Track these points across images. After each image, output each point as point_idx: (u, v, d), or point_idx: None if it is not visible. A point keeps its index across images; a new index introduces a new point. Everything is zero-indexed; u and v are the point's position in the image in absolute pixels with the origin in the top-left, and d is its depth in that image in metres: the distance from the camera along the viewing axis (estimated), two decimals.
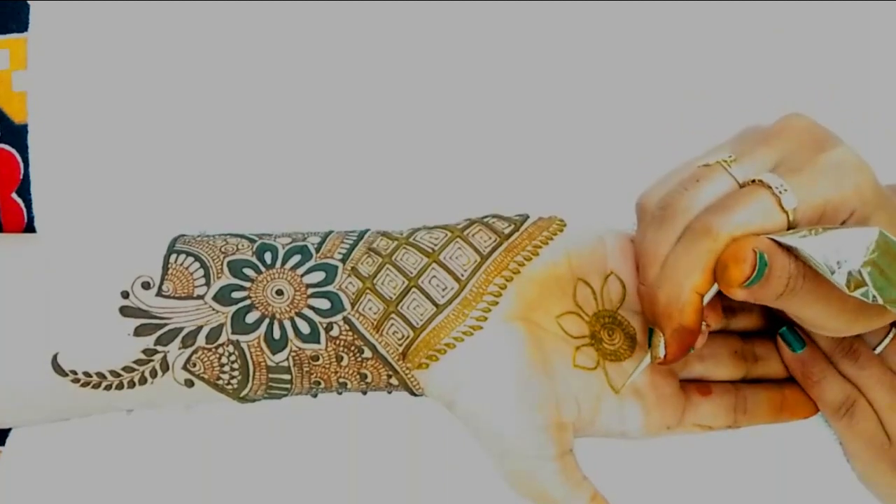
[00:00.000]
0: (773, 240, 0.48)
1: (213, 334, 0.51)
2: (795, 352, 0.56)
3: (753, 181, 0.49)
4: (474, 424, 0.52)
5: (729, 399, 0.55)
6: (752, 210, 0.48)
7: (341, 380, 0.53)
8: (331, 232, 0.54)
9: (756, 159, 0.50)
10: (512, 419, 0.51)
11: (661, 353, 0.50)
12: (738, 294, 0.48)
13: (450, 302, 0.52)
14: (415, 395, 0.53)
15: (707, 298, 0.50)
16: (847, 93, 0.57)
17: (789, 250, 0.48)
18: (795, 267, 0.48)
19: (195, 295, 0.52)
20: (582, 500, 0.52)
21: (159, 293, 0.52)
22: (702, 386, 0.56)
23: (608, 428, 0.54)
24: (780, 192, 0.48)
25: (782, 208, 0.48)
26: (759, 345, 0.57)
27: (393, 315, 0.52)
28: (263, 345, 0.52)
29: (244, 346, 0.52)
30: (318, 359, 0.52)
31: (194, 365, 0.52)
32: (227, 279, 0.52)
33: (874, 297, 0.46)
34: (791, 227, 0.49)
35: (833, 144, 0.50)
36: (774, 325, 0.57)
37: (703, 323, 0.51)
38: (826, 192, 0.49)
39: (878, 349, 0.56)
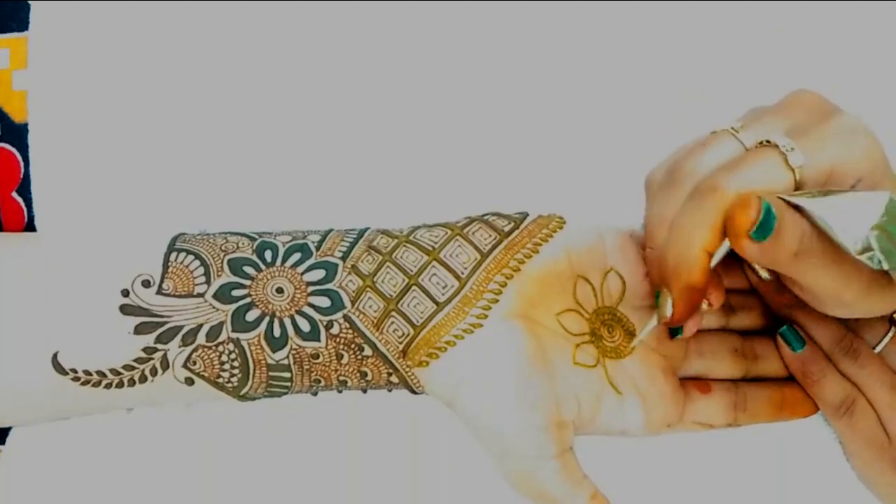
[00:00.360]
0: (782, 199, 0.47)
1: (214, 332, 0.51)
2: (795, 351, 0.56)
3: (761, 143, 0.49)
4: (474, 422, 0.52)
5: (729, 397, 0.55)
6: (759, 167, 0.48)
7: (341, 378, 0.53)
8: (331, 230, 0.54)
9: (764, 125, 0.50)
10: (512, 417, 0.51)
11: (668, 312, 0.50)
12: (750, 248, 0.47)
13: (450, 300, 0.52)
14: (415, 393, 0.53)
15: (716, 258, 0.49)
16: (847, 93, 0.57)
17: (798, 210, 0.47)
18: (808, 225, 0.47)
19: (195, 293, 0.52)
20: (582, 499, 0.52)
21: (159, 291, 0.52)
22: (702, 384, 0.56)
23: (608, 426, 0.54)
24: (787, 151, 0.48)
25: (789, 166, 0.48)
26: (759, 343, 0.57)
27: (393, 313, 0.52)
28: (263, 343, 0.52)
29: (244, 344, 0.52)
30: (318, 357, 0.52)
31: (194, 363, 0.52)
32: (228, 277, 0.52)
33: (880, 261, 0.45)
34: (798, 186, 0.48)
35: (841, 113, 0.50)
36: (774, 325, 0.57)
37: (705, 301, 0.50)
38: (833, 155, 0.49)
39: (878, 348, 0.56)
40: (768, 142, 0.49)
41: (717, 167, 0.49)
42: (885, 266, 0.45)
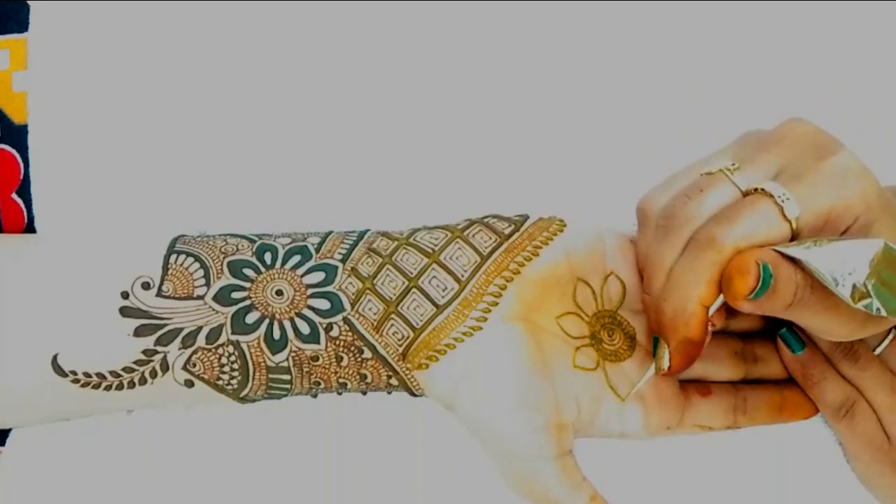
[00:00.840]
0: (777, 251, 0.48)
1: (213, 335, 0.51)
2: (795, 353, 0.56)
3: (756, 190, 0.49)
4: (474, 425, 0.52)
5: (729, 400, 0.55)
6: (756, 220, 0.48)
7: (341, 380, 0.53)
8: (331, 232, 0.54)
9: (758, 166, 0.50)
10: (511, 420, 0.51)
11: (666, 364, 0.51)
12: (745, 307, 0.48)
13: (450, 302, 0.52)
14: (415, 395, 0.53)
15: (713, 310, 0.50)
16: (847, 93, 0.57)
17: (794, 262, 0.48)
18: (802, 278, 0.48)
19: (195, 295, 0.52)
20: (581, 501, 0.52)
21: (159, 293, 0.52)
22: (702, 386, 0.56)
23: (608, 428, 0.54)
24: (783, 202, 0.48)
25: (785, 217, 0.48)
26: (758, 346, 0.57)
27: (393, 315, 0.52)
28: (263, 345, 0.52)
29: (244, 346, 0.52)
30: (317, 359, 0.52)
31: (194, 365, 0.52)
32: (227, 279, 0.52)
33: (878, 309, 0.46)
34: (795, 235, 0.49)
35: (835, 150, 0.50)
36: (774, 327, 0.57)
37: (710, 324, 0.51)
38: (829, 200, 0.49)
39: (878, 350, 0.55)
40: (763, 190, 0.49)
41: (712, 215, 0.49)
42: (884, 313, 0.46)
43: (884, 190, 0.50)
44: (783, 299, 0.48)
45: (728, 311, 0.56)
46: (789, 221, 0.48)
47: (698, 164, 0.52)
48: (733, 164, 0.51)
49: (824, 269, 0.46)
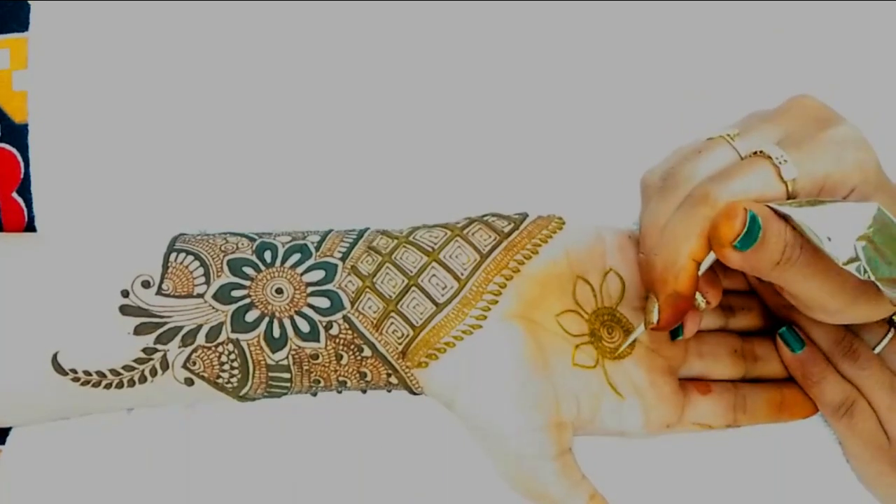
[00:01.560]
0: (769, 207, 0.47)
1: (213, 333, 0.51)
2: (795, 352, 0.56)
3: (755, 153, 0.49)
4: (473, 423, 0.52)
5: (728, 398, 0.55)
6: (751, 178, 0.48)
7: (341, 378, 0.53)
8: (330, 230, 0.54)
9: (760, 134, 0.51)
10: (511, 418, 0.51)
11: (655, 318, 0.50)
12: (733, 258, 0.47)
13: (449, 301, 0.52)
14: (414, 393, 0.53)
15: (704, 266, 0.49)
16: (847, 93, 0.57)
17: (785, 219, 0.47)
18: (792, 235, 0.47)
19: (195, 293, 0.52)
20: (581, 500, 0.52)
21: (159, 292, 0.52)
22: (701, 384, 0.56)
23: (607, 426, 0.54)
24: (780, 163, 0.48)
25: (781, 178, 0.48)
26: (758, 344, 0.57)
27: (392, 314, 0.52)
28: (263, 343, 0.52)
29: (244, 344, 0.52)
30: (317, 357, 0.52)
31: (194, 363, 0.52)
32: (227, 278, 0.52)
33: (865, 271, 0.45)
34: (790, 197, 0.49)
35: (837, 122, 0.50)
36: (774, 325, 0.57)
37: (702, 299, 0.51)
38: (826, 167, 0.49)
39: (878, 349, 0.56)
40: (762, 152, 0.49)
41: (710, 175, 0.49)
42: (871, 276, 0.45)
43: (881, 168, 0.50)
44: (771, 255, 0.47)
45: (727, 309, 0.57)
46: (786, 183, 0.48)
47: (702, 138, 0.52)
48: (734, 131, 0.51)
49: (815, 226, 0.46)
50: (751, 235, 0.47)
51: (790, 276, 0.48)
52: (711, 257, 0.49)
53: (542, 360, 0.52)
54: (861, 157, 0.49)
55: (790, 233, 0.47)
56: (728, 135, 0.51)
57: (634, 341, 0.55)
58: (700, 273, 0.49)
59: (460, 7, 0.56)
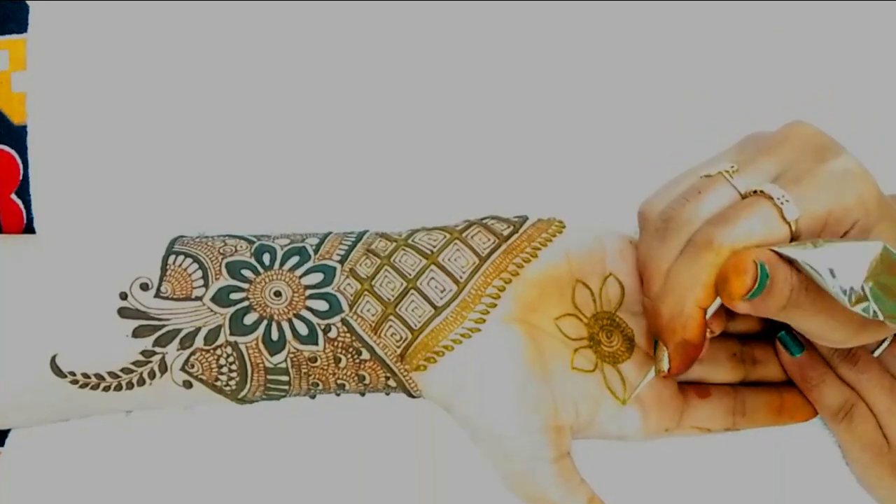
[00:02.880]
0: (774, 252, 0.47)
1: (212, 336, 0.51)
2: (794, 355, 0.56)
3: (755, 192, 0.49)
4: (472, 427, 0.52)
5: (727, 402, 0.55)
6: (754, 222, 0.48)
7: (339, 381, 0.53)
8: (329, 233, 0.54)
9: (758, 169, 0.50)
10: (510, 422, 0.51)
11: (665, 366, 0.50)
12: (741, 307, 0.47)
13: (448, 304, 0.52)
14: (413, 396, 0.53)
15: (710, 312, 0.49)
16: (847, 93, 0.57)
17: (791, 262, 0.47)
18: (798, 279, 0.47)
19: (193, 296, 0.52)
20: (579, 503, 0.52)
21: (157, 294, 0.52)
22: (700, 388, 0.55)
23: (606, 430, 0.54)
24: (782, 204, 0.48)
25: (784, 219, 0.48)
26: (757, 348, 0.57)
27: (391, 317, 0.52)
28: (261, 346, 0.52)
29: (242, 347, 0.52)
30: (316, 360, 0.52)
31: (192, 366, 0.52)
32: (226, 280, 0.52)
33: (875, 312, 0.45)
34: (794, 238, 0.48)
35: (835, 154, 0.50)
36: (773, 329, 0.57)
37: (708, 330, 0.50)
38: (828, 203, 0.48)
39: (878, 353, 0.55)
40: (762, 192, 0.49)
41: (711, 217, 0.49)
42: (881, 317, 0.46)
43: (883, 194, 0.50)
44: (778, 301, 0.47)
45: (727, 312, 0.56)
46: (789, 224, 0.48)
47: (698, 168, 0.51)
48: (732, 167, 0.50)
49: (822, 270, 0.46)
50: (759, 286, 0.46)
51: (796, 316, 0.48)
52: (718, 303, 0.49)
53: (540, 364, 0.52)
54: (861, 190, 0.49)
55: (796, 276, 0.47)
56: (727, 171, 0.50)
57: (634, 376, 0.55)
58: (707, 318, 0.50)
59: (459, 8, 0.56)
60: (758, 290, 0.47)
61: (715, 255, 0.48)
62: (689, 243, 0.49)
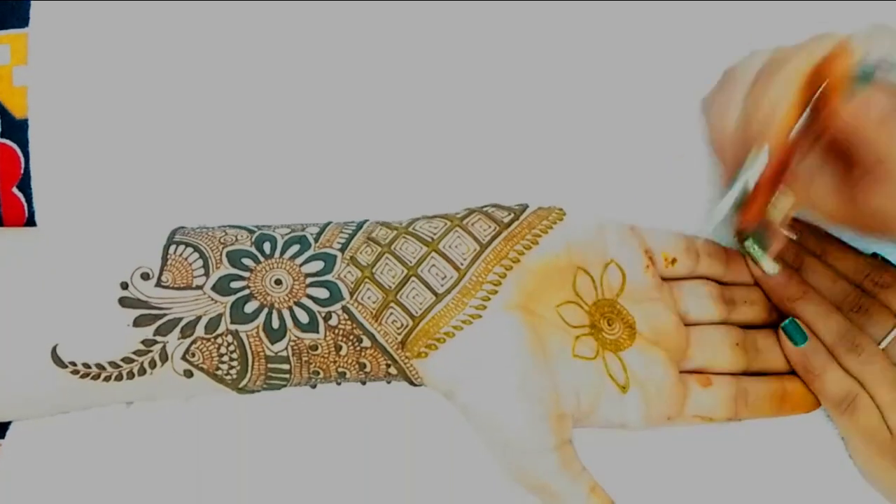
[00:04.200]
0: None
1: (212, 324, 0.51)
2: (797, 345, 0.56)
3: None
4: (473, 414, 0.52)
5: (729, 390, 0.55)
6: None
7: (340, 369, 0.53)
8: (330, 222, 0.54)
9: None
10: (511, 409, 0.51)
11: (761, 167, 0.48)
12: (842, 105, 0.46)
13: (449, 291, 0.52)
14: (414, 384, 0.53)
15: (794, 131, 0.48)
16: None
17: None
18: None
19: (194, 285, 0.52)
20: (581, 491, 0.52)
21: (158, 284, 0.52)
22: (702, 377, 0.55)
23: (608, 418, 0.53)
24: None
25: None
26: (760, 337, 0.57)
27: (392, 304, 0.52)
28: (262, 334, 0.51)
29: (243, 335, 0.51)
30: (316, 348, 0.52)
31: (193, 355, 0.52)
32: (226, 269, 0.52)
33: None
34: None
35: None
36: (777, 319, 0.57)
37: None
38: None
39: (884, 343, 0.55)
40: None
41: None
42: None
43: None
44: (880, 107, 0.46)
45: (729, 301, 0.56)
46: None
47: None
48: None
49: None
50: (866, 76, 0.45)
51: (890, 137, 0.46)
52: (802, 120, 0.47)
53: (541, 351, 0.52)
54: None
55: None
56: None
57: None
58: (791, 136, 0.48)
59: (459, 5, 0.56)
60: (864, 80, 0.45)
61: (807, 56, 0.47)
62: (771, 62, 0.48)
